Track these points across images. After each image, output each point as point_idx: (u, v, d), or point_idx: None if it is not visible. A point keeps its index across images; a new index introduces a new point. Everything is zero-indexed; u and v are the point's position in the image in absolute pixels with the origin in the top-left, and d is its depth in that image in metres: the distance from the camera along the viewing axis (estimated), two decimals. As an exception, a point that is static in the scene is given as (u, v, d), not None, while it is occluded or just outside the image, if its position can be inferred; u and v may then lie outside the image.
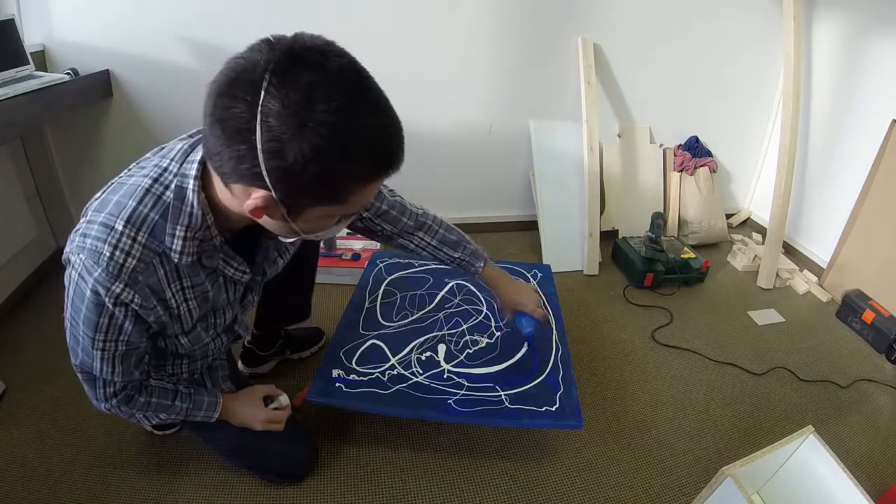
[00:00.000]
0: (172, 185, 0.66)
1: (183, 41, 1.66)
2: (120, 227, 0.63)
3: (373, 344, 1.25)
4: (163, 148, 0.72)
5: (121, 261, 0.64)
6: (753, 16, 2.01)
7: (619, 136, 2.14)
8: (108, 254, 0.63)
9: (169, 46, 1.66)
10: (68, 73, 1.53)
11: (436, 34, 1.82)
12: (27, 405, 1.23)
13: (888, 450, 1.27)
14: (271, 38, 0.53)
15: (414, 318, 1.35)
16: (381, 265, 1.56)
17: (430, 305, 1.40)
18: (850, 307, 1.73)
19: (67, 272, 0.68)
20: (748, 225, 2.44)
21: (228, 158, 0.55)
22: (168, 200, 0.65)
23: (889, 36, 1.72)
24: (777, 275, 1.97)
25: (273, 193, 0.56)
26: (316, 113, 0.51)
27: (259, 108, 0.51)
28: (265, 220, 0.62)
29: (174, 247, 0.67)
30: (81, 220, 0.68)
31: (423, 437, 1.21)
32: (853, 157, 1.86)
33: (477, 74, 1.92)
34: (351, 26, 1.72)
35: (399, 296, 1.43)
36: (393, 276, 1.52)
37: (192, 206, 0.66)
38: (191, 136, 0.71)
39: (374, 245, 1.89)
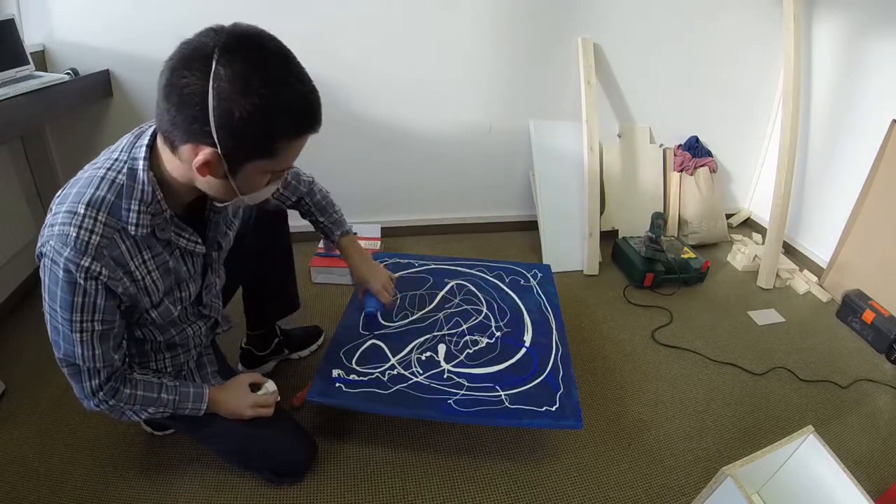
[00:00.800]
0: (125, 170, 0.75)
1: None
2: (82, 211, 0.71)
3: (373, 344, 1.25)
4: (110, 147, 0.80)
5: (86, 238, 0.71)
6: (753, 16, 2.01)
7: (619, 136, 2.14)
8: (74, 234, 0.70)
9: (169, 46, 1.63)
10: (68, 73, 1.53)
11: (436, 34, 1.81)
12: (27, 405, 1.23)
13: (888, 450, 1.27)
14: (214, 27, 0.66)
15: (414, 318, 1.35)
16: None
17: (430, 305, 1.40)
18: (850, 307, 1.73)
19: (42, 264, 0.74)
20: (748, 225, 2.44)
21: (182, 120, 0.65)
22: (122, 182, 0.74)
23: (889, 36, 1.72)
24: (777, 275, 1.97)
25: (218, 149, 0.66)
26: (258, 79, 0.63)
27: (211, 76, 0.63)
28: (208, 181, 0.71)
29: (130, 220, 0.75)
30: (48, 216, 0.74)
31: (423, 437, 1.22)
32: (853, 157, 1.86)
33: (477, 74, 1.92)
34: (351, 26, 1.72)
35: (399, 296, 1.43)
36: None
37: (143, 183, 0.75)
38: (132, 133, 0.79)
39: (374, 245, 1.90)
